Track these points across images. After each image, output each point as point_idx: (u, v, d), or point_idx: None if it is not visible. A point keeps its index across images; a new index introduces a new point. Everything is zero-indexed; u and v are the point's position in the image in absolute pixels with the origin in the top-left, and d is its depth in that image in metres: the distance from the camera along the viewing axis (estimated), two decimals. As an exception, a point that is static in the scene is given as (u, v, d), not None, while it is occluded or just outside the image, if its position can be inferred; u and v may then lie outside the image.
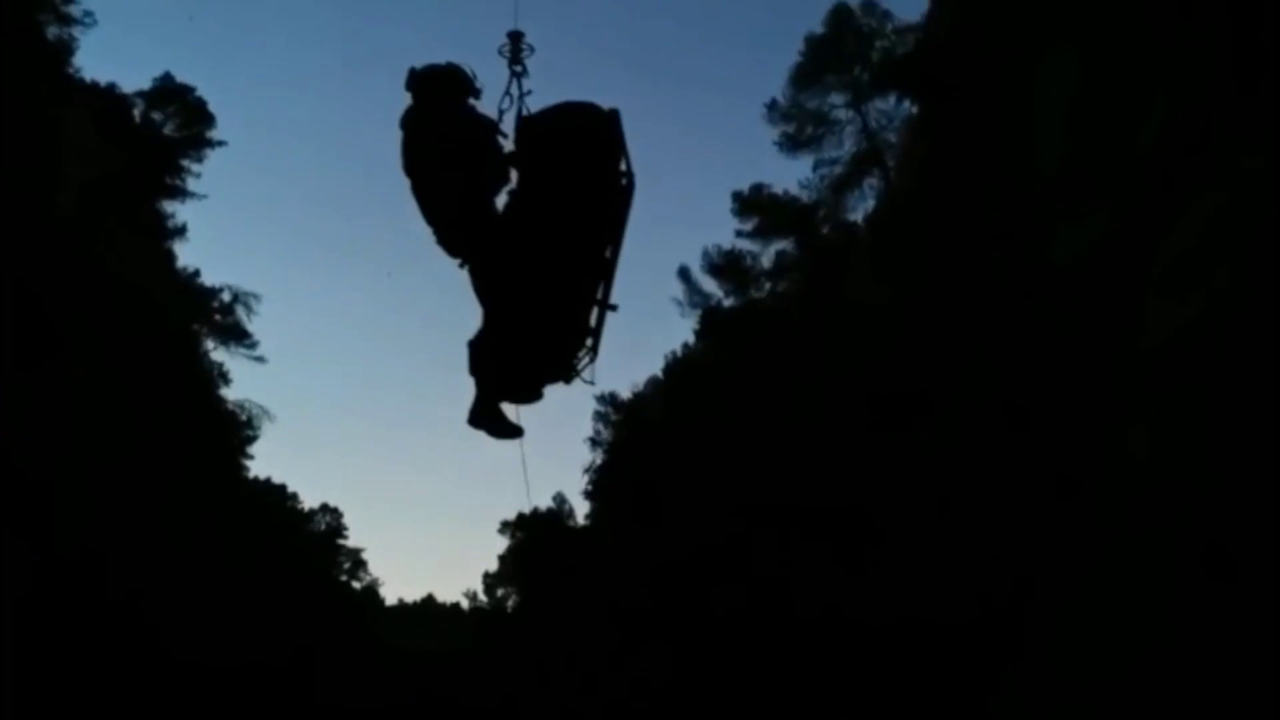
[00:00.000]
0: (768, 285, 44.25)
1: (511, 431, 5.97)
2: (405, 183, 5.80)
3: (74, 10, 31.33)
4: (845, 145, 40.52)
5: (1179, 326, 10.41)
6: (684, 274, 45.20)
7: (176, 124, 34.24)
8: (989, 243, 22.82)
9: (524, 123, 5.69)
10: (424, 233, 5.84)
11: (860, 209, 41.10)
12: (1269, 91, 12.90)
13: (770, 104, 40.65)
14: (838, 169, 40.74)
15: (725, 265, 43.57)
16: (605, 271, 5.72)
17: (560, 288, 5.70)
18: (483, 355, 5.77)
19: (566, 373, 5.83)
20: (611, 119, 5.61)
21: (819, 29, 39.94)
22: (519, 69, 5.80)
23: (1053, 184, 20.05)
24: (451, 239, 5.65)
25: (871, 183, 40.93)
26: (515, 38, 5.79)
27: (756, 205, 41.96)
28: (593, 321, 5.81)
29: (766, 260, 43.70)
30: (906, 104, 37.33)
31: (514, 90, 5.78)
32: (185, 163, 34.42)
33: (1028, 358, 17.88)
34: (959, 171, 26.23)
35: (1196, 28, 15.78)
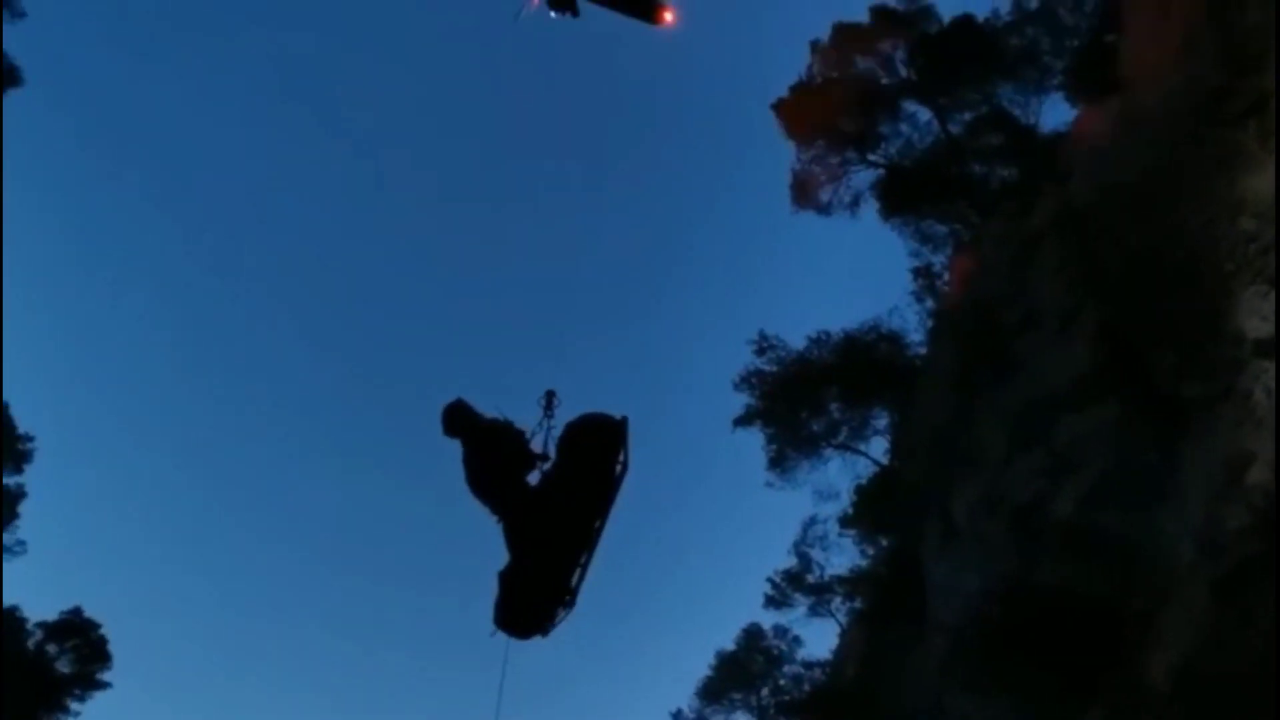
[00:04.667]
0: None
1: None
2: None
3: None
4: (745, 764, 39.98)
5: None
6: None
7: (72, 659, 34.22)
8: None
9: (566, 426, 8.35)
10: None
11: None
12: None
13: (675, 713, 40.52)
14: (735, 789, 39.88)
15: None
16: (591, 542, 8.05)
17: (564, 535, 7.95)
18: (507, 581, 8.05)
19: (547, 623, 8.05)
20: (622, 425, 8.29)
21: (730, 645, 40.88)
22: (551, 416, 8.55)
23: None
24: (495, 505, 8.09)
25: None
26: (550, 395, 8.50)
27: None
28: (574, 582, 8.06)
29: None
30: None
31: (544, 424, 8.52)
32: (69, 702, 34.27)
33: None
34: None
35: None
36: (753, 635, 40.48)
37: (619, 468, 8.30)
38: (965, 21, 29.18)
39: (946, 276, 28.31)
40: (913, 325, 30.02)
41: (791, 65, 30.84)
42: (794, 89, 30.33)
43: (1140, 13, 21.98)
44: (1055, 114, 27.74)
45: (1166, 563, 16.44)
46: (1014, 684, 18.47)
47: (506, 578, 8.13)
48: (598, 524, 8.22)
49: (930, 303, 28.98)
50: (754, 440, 32.41)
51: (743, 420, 31.73)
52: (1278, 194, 16.04)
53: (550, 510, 8.17)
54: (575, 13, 12.83)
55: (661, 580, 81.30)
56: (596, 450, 8.29)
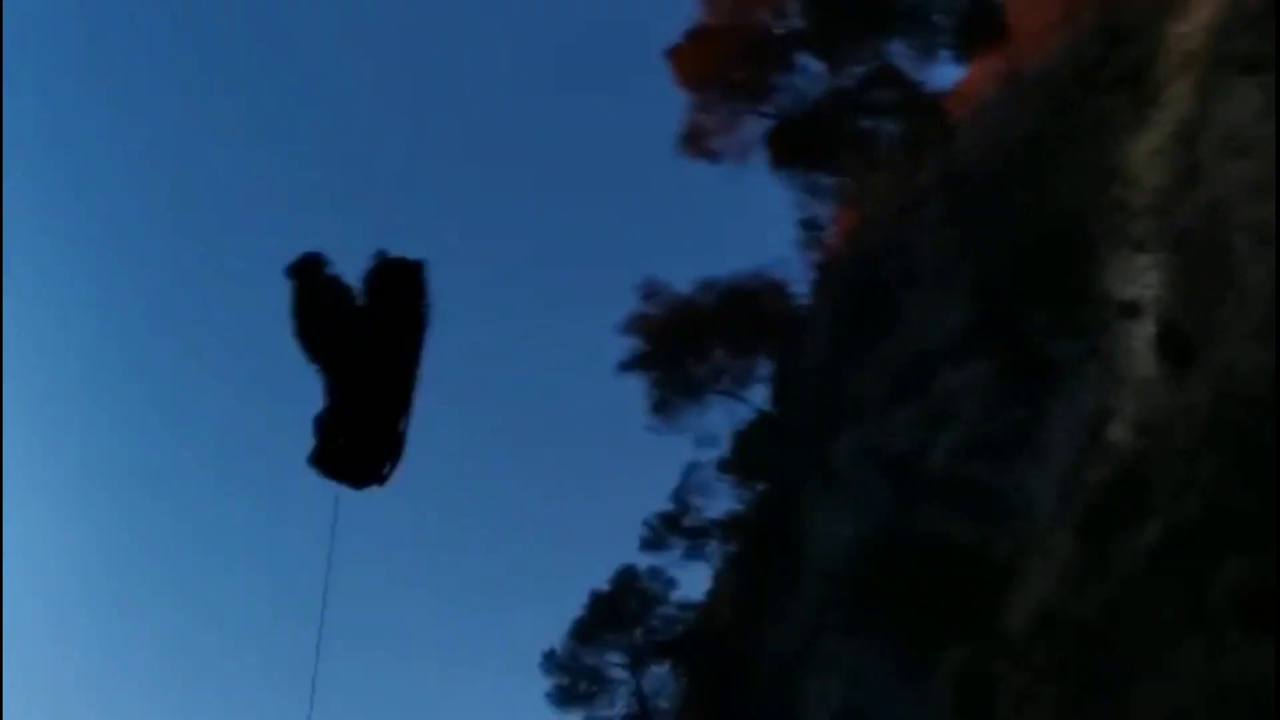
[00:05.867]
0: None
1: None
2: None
3: None
4: (617, 705, 40.54)
5: None
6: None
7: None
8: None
9: (367, 274, 8.31)
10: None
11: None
12: None
13: (548, 654, 40.80)
14: (606, 729, 40.48)
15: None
16: (408, 388, 8.16)
17: (377, 378, 8.13)
18: (324, 425, 8.17)
19: (380, 472, 8.11)
20: (419, 265, 8.43)
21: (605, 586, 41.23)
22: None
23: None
24: (314, 351, 8.24)
25: (639, 747, 40.64)
26: (380, 253, 8.47)
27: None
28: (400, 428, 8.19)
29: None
30: (679, 675, 38.22)
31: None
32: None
33: None
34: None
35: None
36: (627, 576, 40.99)
37: (425, 309, 8.47)
38: (859, -25, 29.44)
39: (832, 229, 28.84)
40: (798, 276, 30.53)
41: (687, 10, 30.73)
42: (688, 35, 30.24)
43: (1026, -23, 22.56)
44: (944, 72, 28.26)
45: (1030, 514, 17.26)
46: (884, 627, 19.25)
47: (327, 422, 8.24)
48: (415, 366, 8.39)
49: (815, 254, 29.51)
50: (638, 385, 32.73)
51: (627, 365, 31.97)
52: None
53: (369, 354, 8.38)
54: None
55: (536, 523, 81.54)
56: (403, 293, 8.44)
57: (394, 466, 8.23)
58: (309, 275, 8.53)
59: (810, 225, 29.43)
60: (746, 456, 32.87)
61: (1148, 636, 11.12)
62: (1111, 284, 17.00)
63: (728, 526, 35.47)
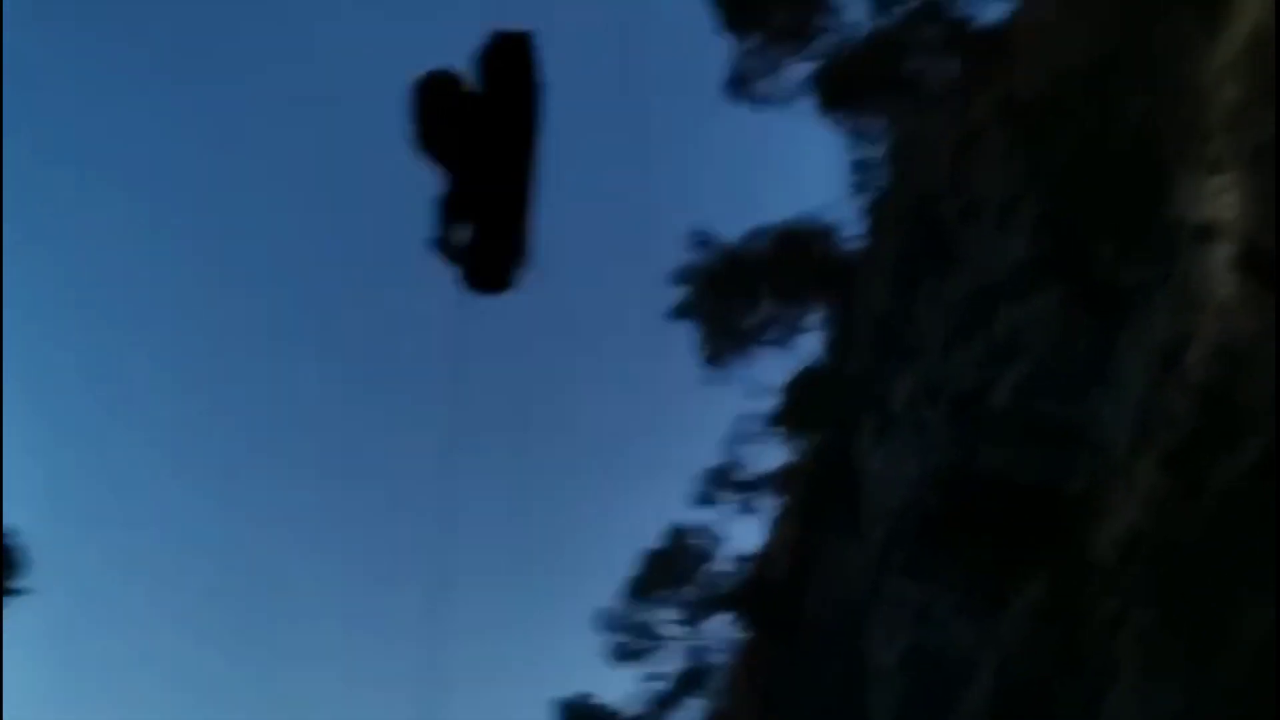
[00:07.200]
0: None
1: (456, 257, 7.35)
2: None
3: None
4: (674, 661, 40.67)
5: None
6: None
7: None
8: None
9: (481, 58, 7.52)
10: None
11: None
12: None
13: (600, 612, 40.89)
14: (664, 685, 40.66)
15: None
16: (528, 174, 7.36)
17: (496, 166, 7.37)
18: (445, 218, 7.35)
19: (509, 272, 7.25)
20: (527, 35, 7.58)
21: (655, 544, 41.14)
22: None
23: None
24: (436, 151, 7.41)
25: (696, 703, 40.83)
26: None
27: (581, 716, 40.91)
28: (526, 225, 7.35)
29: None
30: (736, 628, 38.22)
31: None
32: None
33: None
34: (788, 707, 26.53)
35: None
36: (677, 533, 40.99)
37: (536, 81, 7.57)
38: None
39: (885, 170, 28.32)
40: (850, 220, 30.04)
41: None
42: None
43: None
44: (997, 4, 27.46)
45: (1105, 444, 16.88)
46: (953, 564, 18.98)
47: (449, 208, 7.47)
48: (533, 152, 7.48)
49: (869, 196, 29.01)
50: (683, 338, 32.48)
51: (674, 314, 31.72)
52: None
53: (487, 141, 7.50)
54: None
55: (580, 484, 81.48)
56: (514, 67, 7.58)
57: (519, 268, 7.40)
58: (444, 91, 7.61)
59: (862, 168, 28.95)
60: (798, 407, 32.58)
61: (1251, 553, 10.79)
62: (1185, 207, 16.54)
63: (780, 478, 35.26)
